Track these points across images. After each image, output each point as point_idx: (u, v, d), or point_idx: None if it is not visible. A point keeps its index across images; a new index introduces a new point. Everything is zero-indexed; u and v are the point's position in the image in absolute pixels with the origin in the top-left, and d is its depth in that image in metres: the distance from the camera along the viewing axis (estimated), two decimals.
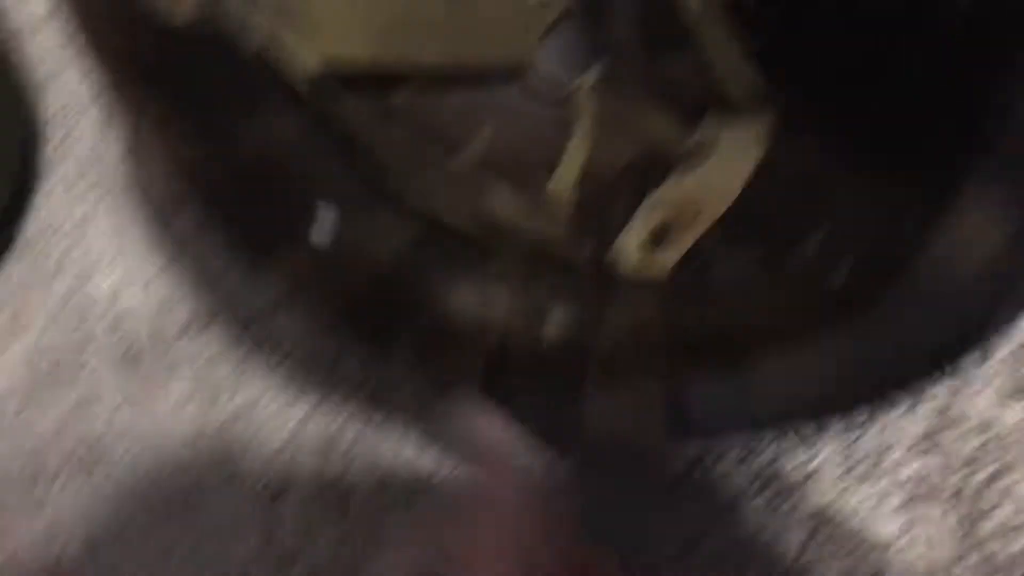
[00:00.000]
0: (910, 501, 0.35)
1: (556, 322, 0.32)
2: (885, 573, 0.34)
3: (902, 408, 0.35)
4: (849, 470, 0.36)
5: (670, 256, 0.35)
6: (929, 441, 0.35)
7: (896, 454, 0.35)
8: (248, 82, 0.33)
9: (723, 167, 0.35)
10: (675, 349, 0.30)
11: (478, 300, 0.32)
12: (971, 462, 0.34)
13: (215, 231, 0.32)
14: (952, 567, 0.33)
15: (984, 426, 0.34)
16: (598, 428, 0.27)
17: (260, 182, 0.33)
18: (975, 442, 0.34)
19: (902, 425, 0.35)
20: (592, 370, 0.29)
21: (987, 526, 0.33)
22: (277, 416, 0.43)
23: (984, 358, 0.34)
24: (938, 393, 0.35)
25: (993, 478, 0.34)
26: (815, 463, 0.36)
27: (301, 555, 0.40)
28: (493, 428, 0.26)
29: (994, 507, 0.33)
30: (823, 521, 0.35)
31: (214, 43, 0.32)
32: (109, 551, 0.43)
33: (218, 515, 0.42)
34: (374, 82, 0.37)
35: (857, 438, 0.36)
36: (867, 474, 0.35)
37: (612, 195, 0.37)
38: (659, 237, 0.35)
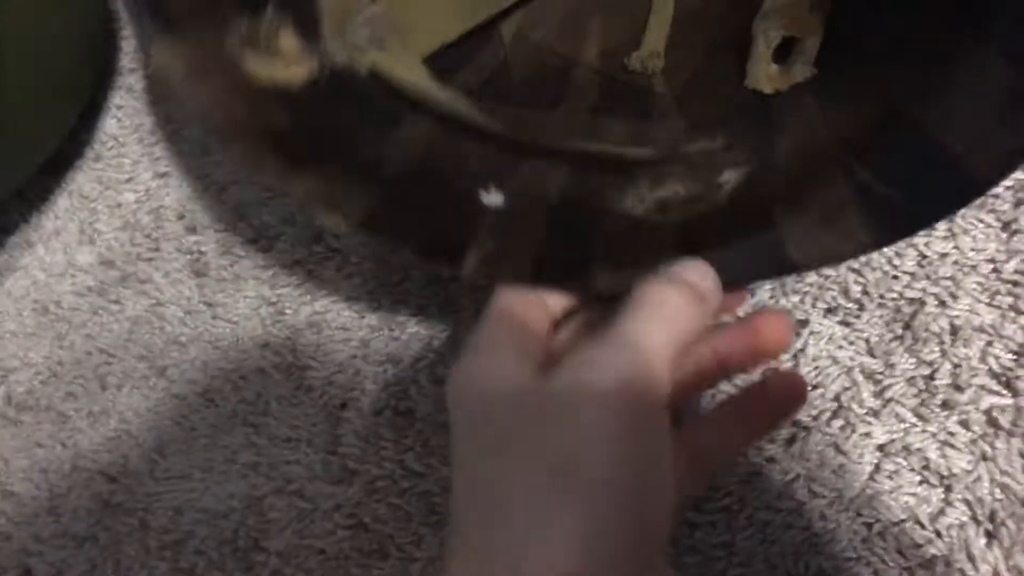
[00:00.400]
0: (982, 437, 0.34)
1: (727, 179, 0.34)
2: (948, 508, 0.34)
3: (977, 345, 0.35)
4: (922, 403, 0.35)
5: (801, 69, 0.36)
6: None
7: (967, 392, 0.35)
8: (372, 108, 0.36)
9: None
10: (844, 151, 0.30)
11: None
12: None
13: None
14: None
15: None
16: (804, 249, 0.28)
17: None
18: None
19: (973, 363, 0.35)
20: (780, 203, 0.30)
21: None
22: (343, 330, 0.43)
23: None
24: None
25: None
26: (886, 395, 0.35)
27: (363, 467, 0.41)
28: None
29: None
30: (890, 453, 0.35)
31: (333, 88, 0.35)
32: (174, 458, 0.43)
33: (283, 425, 0.42)
34: None
35: (932, 373, 0.35)
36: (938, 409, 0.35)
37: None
38: (786, 52, 0.37)
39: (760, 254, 0.30)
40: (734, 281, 0.29)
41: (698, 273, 0.28)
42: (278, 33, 0.35)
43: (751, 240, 0.30)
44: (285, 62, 0.34)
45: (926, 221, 0.28)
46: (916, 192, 0.27)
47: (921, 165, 0.27)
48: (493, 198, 0.34)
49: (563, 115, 0.39)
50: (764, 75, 0.37)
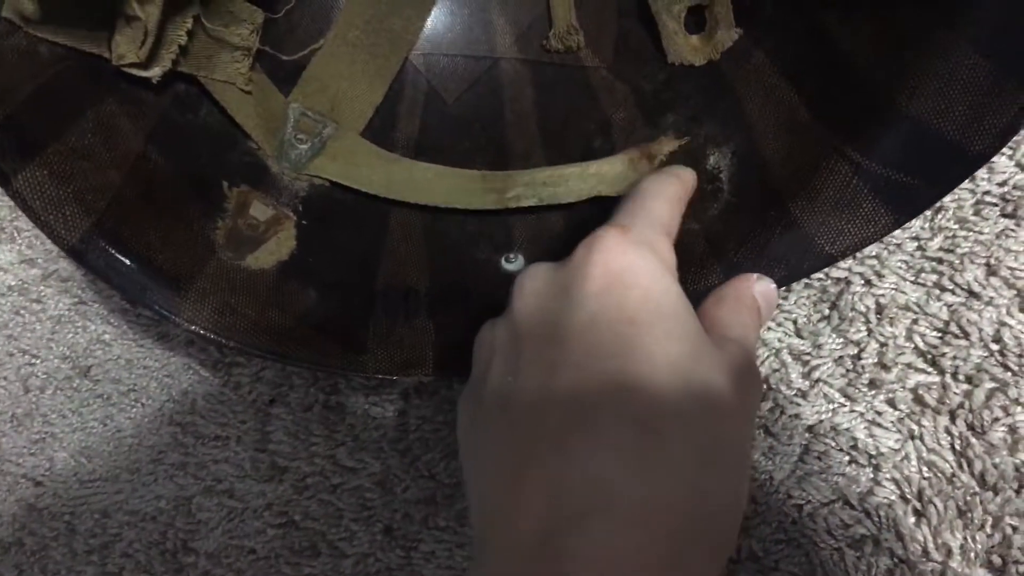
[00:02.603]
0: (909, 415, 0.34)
1: (715, 162, 0.34)
2: (877, 487, 0.33)
3: (903, 323, 0.35)
4: (849, 383, 0.35)
5: (724, 34, 0.35)
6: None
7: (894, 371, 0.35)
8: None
9: None
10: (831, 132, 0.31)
11: None
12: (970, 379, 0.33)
13: None
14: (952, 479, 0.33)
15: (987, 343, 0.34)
16: (833, 240, 0.29)
17: None
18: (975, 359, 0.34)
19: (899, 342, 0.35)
20: (791, 197, 0.31)
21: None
22: None
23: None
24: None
25: (991, 395, 0.33)
26: (814, 375, 0.35)
27: (293, 464, 0.40)
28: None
29: (995, 420, 0.33)
30: (819, 434, 0.35)
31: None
32: (100, 460, 0.42)
33: (211, 423, 0.41)
34: None
35: (858, 352, 0.35)
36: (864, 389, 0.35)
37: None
38: (698, 24, 0.36)
39: (798, 253, 0.30)
40: (781, 283, 0.30)
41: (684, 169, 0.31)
42: (249, 209, 0.35)
43: (784, 243, 0.30)
44: (270, 234, 0.35)
45: (937, 196, 0.28)
46: (922, 174, 0.28)
47: (919, 149, 0.28)
48: (515, 264, 0.36)
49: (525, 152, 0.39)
50: (687, 48, 0.36)
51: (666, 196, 0.29)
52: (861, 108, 0.30)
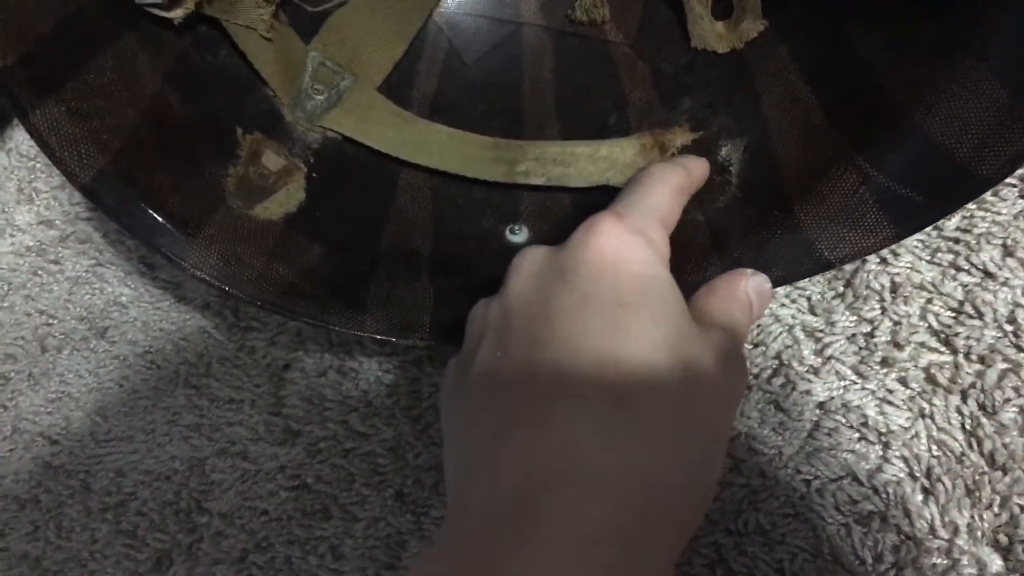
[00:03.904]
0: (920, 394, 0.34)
1: (726, 154, 0.34)
2: (886, 464, 0.34)
3: (917, 303, 0.35)
4: (862, 360, 0.35)
5: (750, 25, 0.35)
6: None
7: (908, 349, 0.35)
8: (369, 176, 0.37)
9: None
10: (845, 141, 0.31)
11: None
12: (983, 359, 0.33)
13: None
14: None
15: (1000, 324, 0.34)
16: (833, 247, 0.30)
17: None
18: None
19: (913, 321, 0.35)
20: (797, 200, 0.31)
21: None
22: None
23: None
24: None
25: (1003, 376, 0.33)
26: (827, 352, 0.35)
27: (306, 428, 0.40)
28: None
29: (1006, 401, 0.33)
30: (830, 410, 0.35)
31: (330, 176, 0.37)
32: (115, 420, 0.43)
33: (225, 386, 0.42)
34: None
35: (872, 331, 0.35)
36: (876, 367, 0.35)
37: None
38: (726, 10, 0.36)
39: (796, 255, 0.30)
40: (776, 283, 0.30)
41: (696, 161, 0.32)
42: (261, 158, 0.35)
43: (784, 243, 0.30)
44: (280, 185, 0.35)
45: (940, 215, 0.28)
46: (928, 191, 0.28)
47: (928, 167, 0.28)
48: (519, 236, 0.37)
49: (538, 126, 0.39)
50: (711, 34, 0.36)
51: (669, 185, 0.30)
52: (875, 119, 0.30)
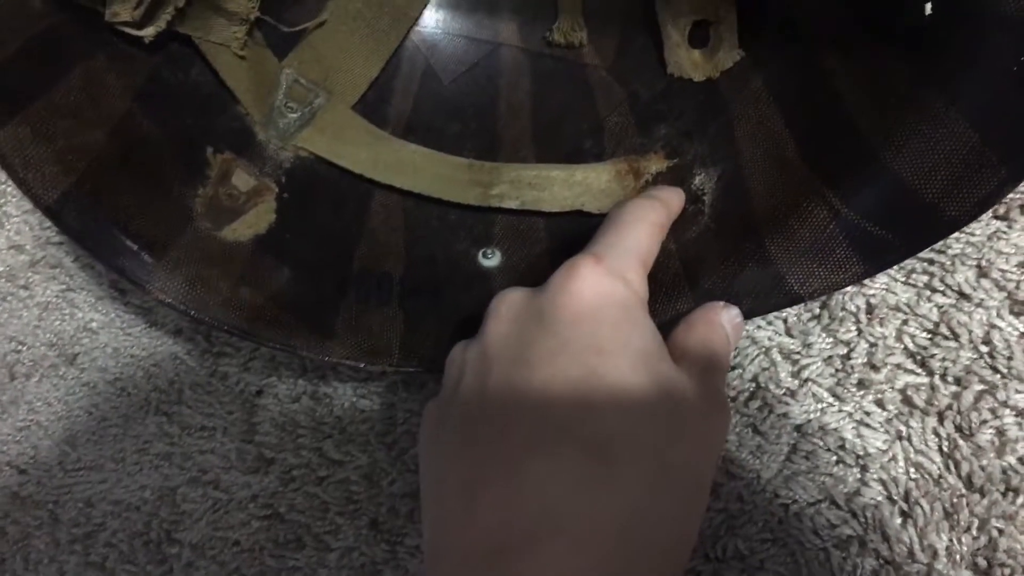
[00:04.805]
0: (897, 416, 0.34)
1: (700, 183, 0.34)
2: (864, 488, 0.33)
3: (893, 324, 0.35)
4: (838, 383, 0.35)
5: (727, 54, 0.35)
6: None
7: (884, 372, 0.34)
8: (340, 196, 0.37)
9: None
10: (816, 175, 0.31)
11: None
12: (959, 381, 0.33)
13: None
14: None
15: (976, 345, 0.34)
16: (803, 281, 0.30)
17: None
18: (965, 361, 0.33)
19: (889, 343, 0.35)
20: (769, 233, 0.31)
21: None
22: None
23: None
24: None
25: (980, 397, 0.33)
26: (803, 375, 0.35)
27: (279, 456, 0.40)
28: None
29: (983, 423, 0.33)
30: (807, 433, 0.35)
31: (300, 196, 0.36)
32: (85, 449, 0.42)
33: (197, 414, 0.41)
34: None
35: (848, 352, 0.35)
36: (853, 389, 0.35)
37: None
38: (703, 39, 0.36)
39: (766, 288, 0.30)
40: (746, 315, 0.31)
41: (672, 192, 0.32)
42: (231, 178, 0.35)
43: (755, 276, 0.30)
44: (250, 206, 0.35)
45: (908, 253, 0.29)
46: (897, 230, 0.28)
47: (897, 206, 0.28)
48: (492, 260, 0.36)
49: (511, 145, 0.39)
50: (688, 62, 0.36)
51: (648, 223, 0.29)
52: (847, 155, 0.30)
